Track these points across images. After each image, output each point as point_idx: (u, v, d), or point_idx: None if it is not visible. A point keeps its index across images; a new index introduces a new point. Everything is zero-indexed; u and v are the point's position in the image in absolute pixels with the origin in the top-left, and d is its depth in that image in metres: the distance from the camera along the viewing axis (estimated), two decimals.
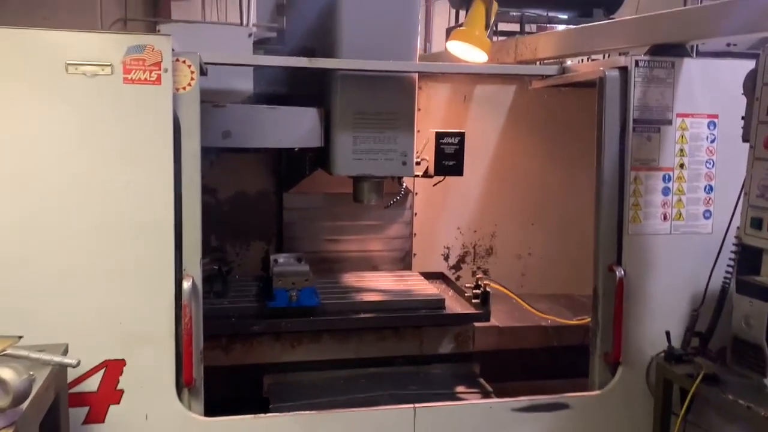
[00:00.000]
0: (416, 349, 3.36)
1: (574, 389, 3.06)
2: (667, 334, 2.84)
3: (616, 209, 2.92)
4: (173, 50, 2.46)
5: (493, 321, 3.52)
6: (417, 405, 2.75)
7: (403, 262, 4.13)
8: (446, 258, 4.22)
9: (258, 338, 3.15)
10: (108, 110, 2.40)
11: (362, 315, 3.22)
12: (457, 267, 4.23)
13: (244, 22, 3.59)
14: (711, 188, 2.98)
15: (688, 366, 2.74)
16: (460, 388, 3.24)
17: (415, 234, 4.13)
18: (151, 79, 2.40)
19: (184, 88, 2.49)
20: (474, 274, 4.20)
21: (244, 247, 3.90)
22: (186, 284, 2.46)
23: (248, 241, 3.90)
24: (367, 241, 4.08)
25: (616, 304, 2.88)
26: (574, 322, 3.59)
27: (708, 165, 2.97)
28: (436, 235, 4.18)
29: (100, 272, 2.42)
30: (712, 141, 2.96)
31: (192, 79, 2.49)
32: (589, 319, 3.08)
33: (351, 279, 3.72)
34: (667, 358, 2.82)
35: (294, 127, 3.20)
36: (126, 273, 2.44)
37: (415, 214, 4.11)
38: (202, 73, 2.88)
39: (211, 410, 2.63)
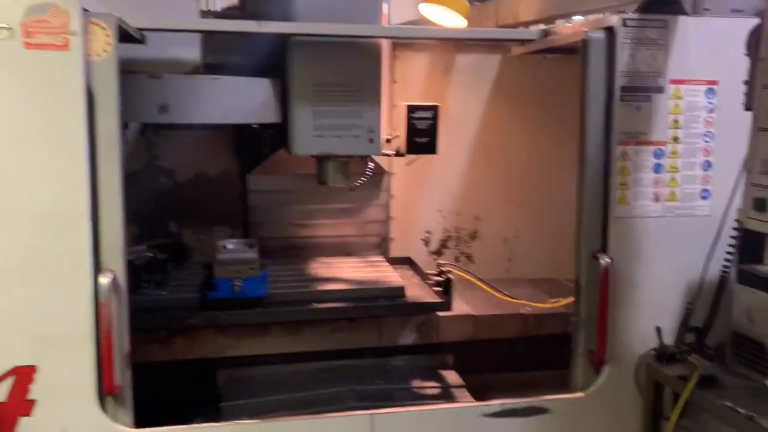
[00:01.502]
0: (375, 341, 3.07)
1: (555, 381, 2.77)
2: (658, 330, 2.52)
3: (602, 189, 2.58)
4: (85, 11, 2.14)
5: (468, 309, 3.24)
6: (375, 411, 2.45)
7: (380, 247, 3.82)
8: (427, 243, 3.90)
9: (200, 331, 2.87)
10: (7, 80, 2.09)
11: (314, 305, 2.91)
12: (438, 252, 3.91)
13: None
14: (710, 165, 2.63)
15: (682, 366, 2.43)
16: (428, 383, 2.95)
17: (392, 218, 3.82)
18: (58, 43, 2.09)
19: (98, 55, 2.17)
20: (457, 259, 3.90)
21: (206, 233, 3.60)
22: (104, 280, 2.17)
23: (210, 226, 3.60)
24: (339, 226, 3.78)
25: (601, 297, 2.56)
26: (548, 305, 3.28)
27: (706, 138, 2.62)
28: (416, 218, 3.86)
29: (4, 268, 2.13)
30: (711, 111, 2.61)
31: (108, 44, 2.17)
32: (565, 302, 2.78)
33: (315, 267, 3.43)
34: (658, 357, 2.51)
35: (243, 99, 2.88)
36: (35, 269, 2.15)
37: (392, 196, 3.80)
38: (136, 40, 2.57)
39: (154, 411, 2.35)
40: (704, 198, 2.64)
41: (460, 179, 3.85)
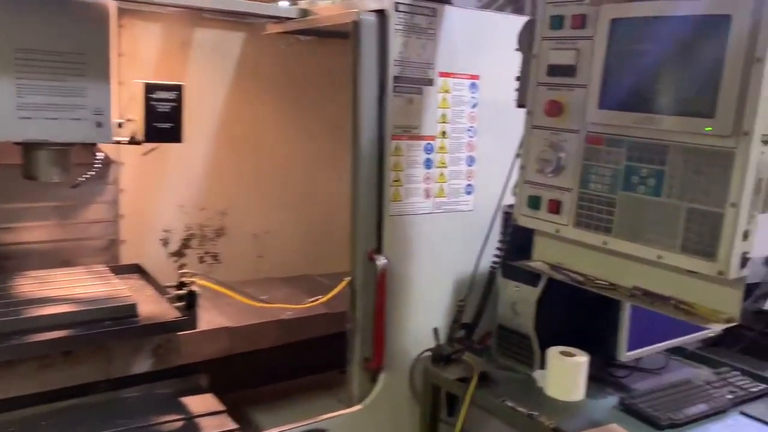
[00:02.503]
0: (102, 373, 2.48)
1: (325, 386, 2.55)
2: (435, 331, 2.44)
3: (376, 186, 2.41)
4: None
5: (224, 321, 2.84)
6: None
7: (108, 252, 3.19)
8: (166, 243, 3.38)
9: None
10: None
11: (14, 340, 2.20)
12: (179, 254, 3.41)
13: None
14: (473, 160, 2.63)
15: (458, 367, 2.38)
16: (177, 415, 2.49)
17: (122, 216, 3.21)
18: None
19: None
20: (202, 259, 3.45)
21: None
22: None
23: None
24: (55, 229, 3.06)
25: (378, 300, 2.40)
26: (306, 305, 3.02)
27: (470, 133, 2.60)
28: (152, 216, 3.30)
29: None
30: (474, 106, 2.60)
31: None
32: (325, 299, 2.56)
33: (21, 283, 2.69)
34: (434, 359, 2.43)
35: None
36: None
37: (122, 190, 3.19)
38: None
39: None
40: (468, 193, 2.63)
41: (205, 170, 3.39)
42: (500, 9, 2.88)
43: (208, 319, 2.68)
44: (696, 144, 1.72)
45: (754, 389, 2.32)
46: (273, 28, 3.13)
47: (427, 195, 2.52)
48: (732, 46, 1.62)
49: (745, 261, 1.72)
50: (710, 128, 1.68)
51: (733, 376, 2.41)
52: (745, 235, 1.70)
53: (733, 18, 1.61)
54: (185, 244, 3.42)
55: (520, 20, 2.16)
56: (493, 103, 2.57)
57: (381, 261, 2.38)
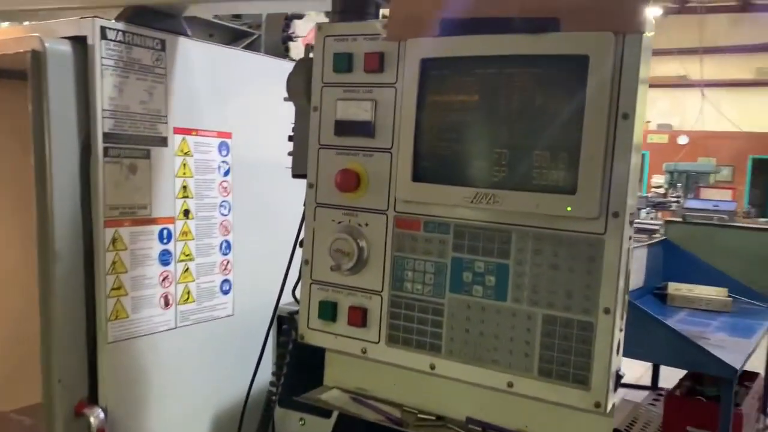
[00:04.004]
0: None
1: None
2: None
3: (82, 300, 1.58)
4: None
5: None
6: None
7: None
8: None
9: None
10: None
11: None
12: None
13: None
14: (229, 246, 1.93)
15: None
16: None
17: None
18: None
19: None
20: None
21: None
22: None
23: None
24: None
25: None
26: None
27: (223, 210, 1.91)
28: None
29: None
30: (227, 173, 1.91)
31: None
32: None
33: None
34: None
35: None
36: None
37: None
38: None
39: None
40: (225, 292, 1.92)
41: None
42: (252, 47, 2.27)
43: None
44: (552, 229, 1.26)
45: None
46: None
47: (167, 303, 1.75)
48: (592, 96, 1.19)
49: (618, 381, 1.28)
50: (570, 208, 1.22)
51: None
52: (618, 348, 1.27)
53: (592, 59, 1.18)
54: None
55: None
56: (255, 168, 1.92)
57: (96, 416, 1.54)
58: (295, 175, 1.56)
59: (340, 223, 1.47)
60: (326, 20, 1.71)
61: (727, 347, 2.52)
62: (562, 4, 1.22)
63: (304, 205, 1.53)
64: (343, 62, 1.44)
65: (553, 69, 1.23)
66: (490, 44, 1.27)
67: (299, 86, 1.53)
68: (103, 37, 1.56)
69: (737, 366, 2.32)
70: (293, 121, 1.57)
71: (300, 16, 2.88)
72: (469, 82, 1.30)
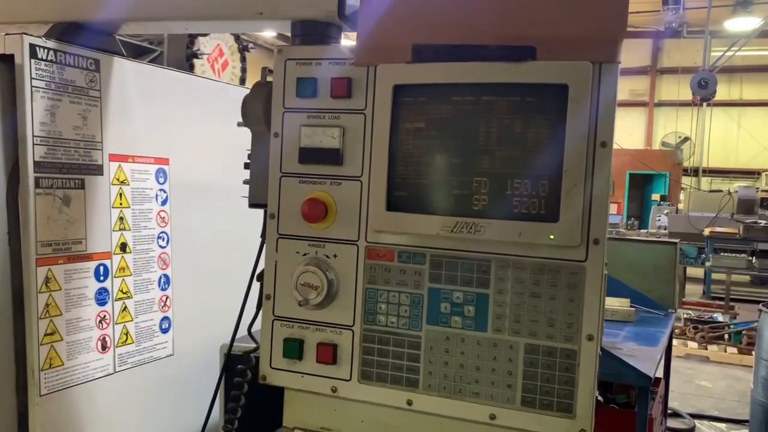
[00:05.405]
0: None
1: None
2: None
3: (11, 349, 1.40)
4: None
5: None
6: None
7: None
8: None
9: None
10: None
11: None
12: None
13: None
14: (168, 280, 1.79)
15: None
16: None
17: None
18: None
19: None
20: None
21: None
22: None
23: None
24: None
25: None
26: None
27: (161, 241, 1.77)
28: None
29: None
30: (164, 202, 1.78)
31: None
32: None
33: None
34: None
35: None
36: None
37: None
38: None
39: None
40: (165, 331, 1.78)
41: None
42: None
43: None
44: (533, 257, 1.25)
45: None
46: None
47: (105, 346, 1.59)
48: (572, 124, 1.20)
49: (595, 407, 1.29)
50: (554, 236, 1.21)
51: None
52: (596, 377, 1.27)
53: (572, 89, 1.19)
54: None
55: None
56: (194, 196, 1.81)
57: None
58: (252, 205, 1.47)
59: (305, 255, 1.39)
60: (275, 43, 1.64)
61: (638, 356, 2.62)
62: (537, 33, 1.23)
63: (262, 236, 1.45)
64: (308, 87, 1.37)
65: (533, 97, 1.23)
66: (467, 72, 1.25)
67: (257, 111, 1.44)
68: (33, 55, 1.41)
69: (651, 374, 2.42)
70: (249, 148, 1.48)
71: (204, 33, 2.76)
72: (446, 109, 1.28)
